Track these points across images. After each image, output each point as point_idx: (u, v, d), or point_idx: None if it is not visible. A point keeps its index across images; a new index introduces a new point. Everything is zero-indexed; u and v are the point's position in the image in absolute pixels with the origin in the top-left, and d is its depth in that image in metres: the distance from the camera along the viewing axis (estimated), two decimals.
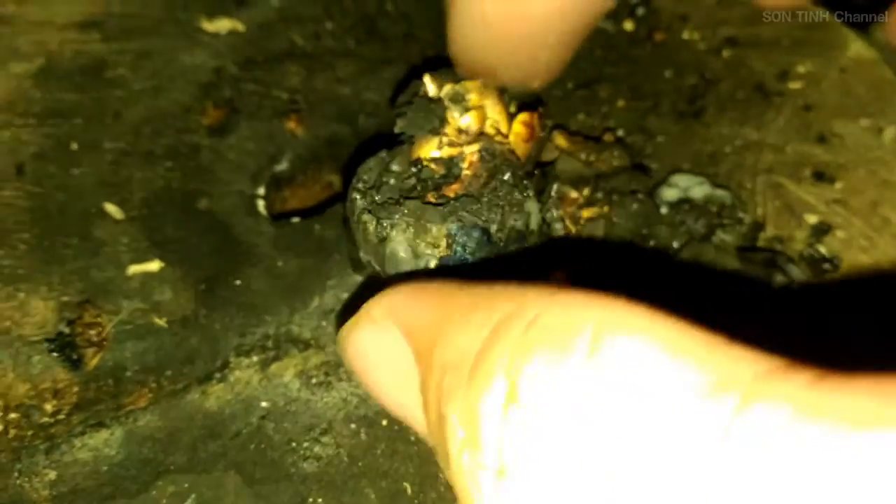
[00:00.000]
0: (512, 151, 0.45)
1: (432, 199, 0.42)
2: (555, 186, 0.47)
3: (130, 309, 0.47)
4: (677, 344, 0.25)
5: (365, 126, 0.55)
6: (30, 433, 0.44)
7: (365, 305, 0.37)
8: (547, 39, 0.48)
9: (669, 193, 0.49)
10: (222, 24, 0.57)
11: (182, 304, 0.48)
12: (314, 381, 0.46)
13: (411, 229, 0.41)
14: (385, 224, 0.42)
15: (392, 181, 0.43)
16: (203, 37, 0.57)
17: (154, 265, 0.48)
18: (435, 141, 0.43)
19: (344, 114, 0.55)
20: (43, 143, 0.53)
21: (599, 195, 0.48)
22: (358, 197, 0.43)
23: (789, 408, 0.22)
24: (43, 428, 0.44)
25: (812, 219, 0.49)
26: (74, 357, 0.46)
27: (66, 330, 0.46)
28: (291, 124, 0.54)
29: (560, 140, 0.50)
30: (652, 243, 0.47)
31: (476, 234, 0.41)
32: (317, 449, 0.44)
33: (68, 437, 0.44)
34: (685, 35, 0.59)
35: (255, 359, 0.46)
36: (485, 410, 0.28)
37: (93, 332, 0.46)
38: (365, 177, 0.44)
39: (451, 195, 0.42)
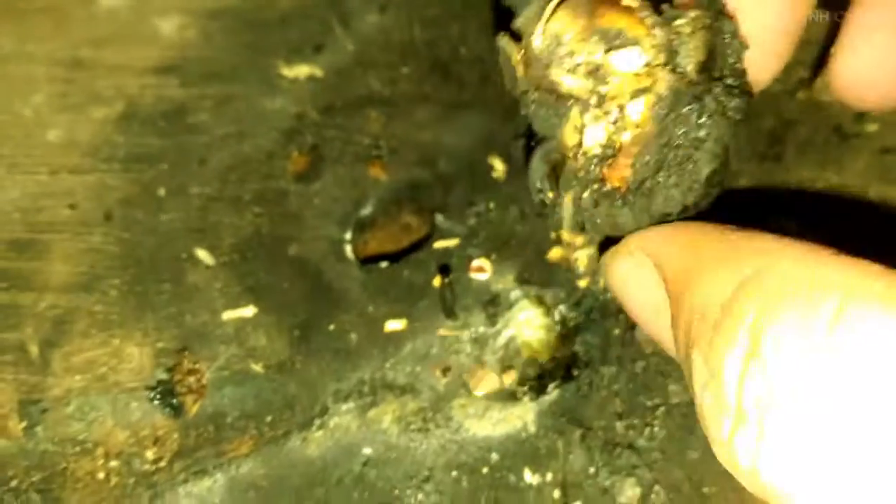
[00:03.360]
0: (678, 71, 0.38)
1: (610, 186, 0.40)
2: None
3: (227, 355, 0.47)
4: None
5: (445, 169, 0.55)
6: (132, 481, 0.44)
7: (626, 238, 0.39)
8: None
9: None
10: (301, 70, 0.58)
11: (277, 349, 0.48)
12: (412, 427, 0.46)
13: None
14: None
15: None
16: (282, 82, 0.57)
17: (248, 311, 0.49)
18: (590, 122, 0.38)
19: (424, 158, 0.55)
20: (129, 189, 0.54)
21: None
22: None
23: None
24: (145, 476, 0.44)
25: None
26: (175, 404, 0.46)
27: (165, 377, 0.46)
28: (374, 170, 0.54)
29: None
30: None
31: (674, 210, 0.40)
32: (420, 496, 0.44)
33: (171, 486, 0.44)
34: None
35: (352, 404, 0.47)
36: (728, 361, 0.29)
37: (192, 378, 0.47)
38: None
39: (622, 181, 0.39)
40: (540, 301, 0.49)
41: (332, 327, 0.49)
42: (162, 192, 0.53)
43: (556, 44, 0.37)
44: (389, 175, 0.54)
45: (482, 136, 0.56)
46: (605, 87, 0.38)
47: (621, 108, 0.38)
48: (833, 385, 0.26)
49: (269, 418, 0.46)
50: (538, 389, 0.46)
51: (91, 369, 0.47)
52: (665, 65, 0.38)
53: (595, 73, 0.38)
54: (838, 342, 0.26)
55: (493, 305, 0.49)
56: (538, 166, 0.41)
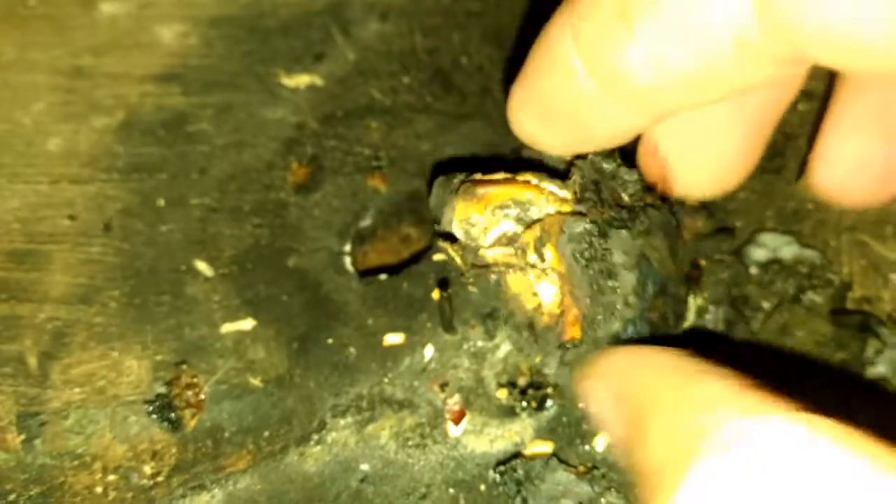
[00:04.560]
0: None
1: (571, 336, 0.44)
2: None
3: (226, 368, 0.47)
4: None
5: None
6: (129, 495, 0.45)
7: (593, 362, 0.38)
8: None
9: (759, 254, 0.49)
10: (301, 79, 0.58)
11: (276, 363, 0.48)
12: (410, 443, 0.46)
13: None
14: None
15: None
16: (283, 91, 0.57)
17: (247, 323, 0.49)
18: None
19: (425, 169, 0.55)
20: (129, 199, 0.54)
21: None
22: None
23: None
24: (143, 490, 0.44)
25: None
26: (173, 418, 0.46)
27: (164, 391, 0.46)
28: (374, 181, 0.54)
29: None
30: (742, 305, 0.48)
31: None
32: None
33: (169, 500, 0.44)
34: None
35: (350, 419, 0.47)
36: None
37: (190, 392, 0.47)
38: None
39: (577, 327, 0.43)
40: None
41: (330, 341, 0.48)
42: (161, 202, 0.53)
43: (470, 230, 0.45)
44: (389, 186, 0.54)
45: (483, 147, 0.56)
46: (520, 249, 0.44)
47: (541, 257, 0.43)
48: None
49: (266, 433, 0.46)
50: (537, 405, 0.46)
51: (90, 382, 0.47)
52: (559, 210, 0.43)
53: (510, 240, 0.44)
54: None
55: (492, 319, 0.48)
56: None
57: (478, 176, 0.46)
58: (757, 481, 0.25)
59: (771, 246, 0.50)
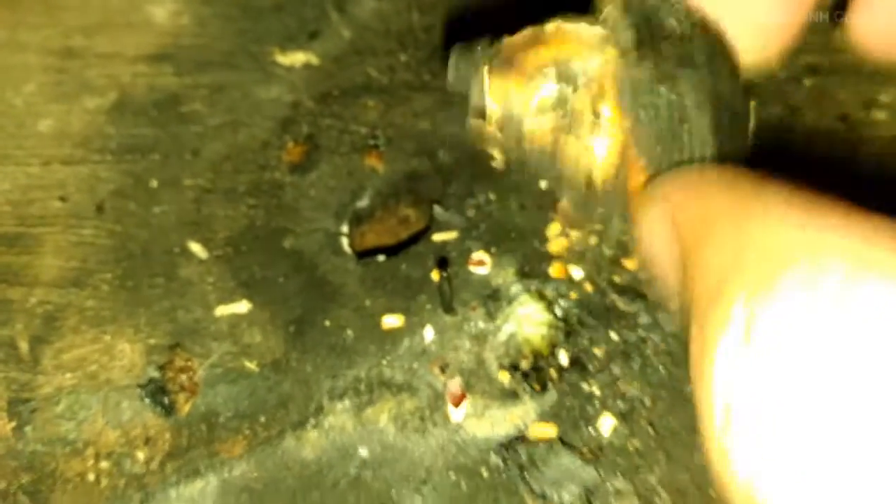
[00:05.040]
0: None
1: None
2: None
3: (221, 352, 0.46)
4: None
5: (444, 160, 0.54)
6: (122, 482, 0.43)
7: (652, 185, 0.36)
8: None
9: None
10: (296, 58, 0.57)
11: (272, 346, 0.47)
12: (409, 426, 0.45)
13: None
14: None
15: None
16: (277, 70, 0.56)
17: (242, 306, 0.48)
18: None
19: (423, 148, 0.54)
20: (121, 181, 0.52)
21: None
22: None
23: None
24: (136, 477, 0.43)
25: None
26: (166, 403, 0.45)
27: (157, 375, 0.45)
28: (372, 160, 0.53)
29: None
30: None
31: None
32: (418, 499, 0.42)
33: (163, 487, 0.43)
34: None
35: (348, 403, 0.45)
36: (719, 348, 0.26)
37: (184, 376, 0.45)
38: None
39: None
40: (541, 296, 0.48)
41: (327, 323, 0.47)
42: (154, 183, 0.52)
43: (509, 104, 0.39)
44: (387, 165, 0.53)
45: None
46: (570, 111, 0.39)
47: (596, 114, 0.38)
48: (835, 384, 0.23)
49: (262, 418, 0.45)
50: (539, 387, 0.45)
51: (82, 367, 0.46)
52: (605, 57, 0.38)
53: (557, 103, 0.39)
54: (844, 318, 0.23)
55: (494, 300, 0.47)
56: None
57: (505, 40, 0.40)
58: (821, 311, 0.24)
59: None
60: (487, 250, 0.49)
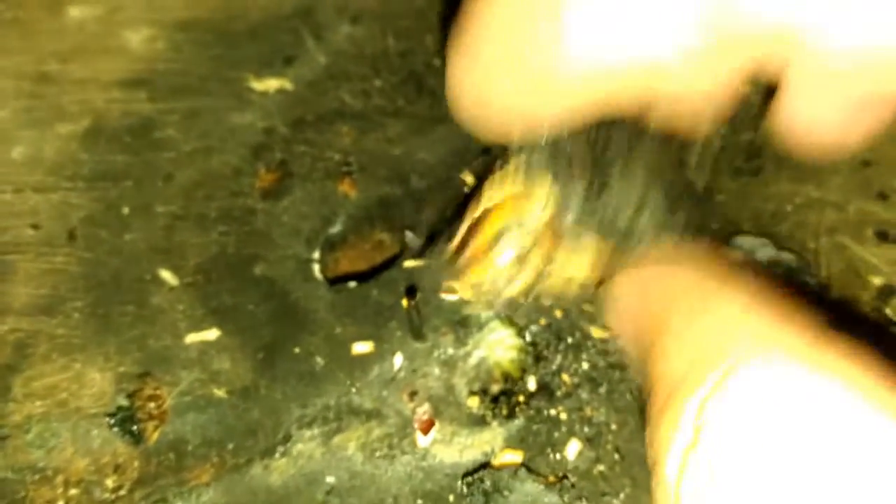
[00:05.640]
0: None
1: None
2: None
3: (190, 379, 0.46)
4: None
5: (417, 186, 0.54)
6: None
7: (617, 279, 0.38)
8: None
9: (735, 256, 0.48)
10: (271, 84, 0.57)
11: (241, 373, 0.47)
12: (377, 454, 0.45)
13: None
14: None
15: None
16: (251, 96, 0.56)
17: (212, 333, 0.48)
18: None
19: (396, 174, 0.54)
20: (93, 207, 0.53)
21: None
22: None
23: None
24: None
25: (877, 280, 0.48)
26: (135, 431, 0.45)
27: (126, 403, 0.45)
28: (344, 186, 0.53)
29: None
30: None
31: None
32: None
33: None
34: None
35: (316, 431, 0.45)
36: (671, 449, 0.27)
37: (153, 404, 0.46)
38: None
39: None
40: (511, 322, 0.48)
41: (297, 350, 0.47)
42: (126, 210, 0.52)
43: (481, 292, 0.45)
44: (360, 191, 0.53)
45: (455, 151, 0.55)
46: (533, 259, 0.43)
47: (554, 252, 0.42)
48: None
49: (231, 445, 0.45)
50: (507, 413, 0.45)
51: (52, 395, 0.46)
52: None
53: (519, 262, 0.43)
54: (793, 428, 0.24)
55: (464, 326, 0.48)
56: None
57: (449, 248, 0.45)
58: (766, 413, 0.25)
59: (747, 248, 0.49)
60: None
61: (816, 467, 0.23)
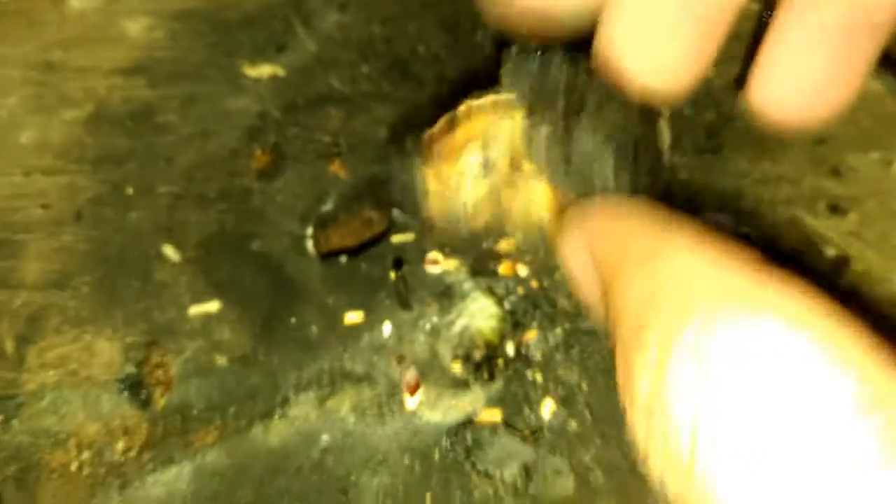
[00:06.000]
0: None
1: None
2: None
3: (193, 348, 0.50)
4: (839, 350, 0.24)
5: None
6: (102, 471, 0.47)
7: (567, 216, 0.38)
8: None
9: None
10: (264, 70, 0.60)
11: (241, 342, 0.51)
12: (368, 414, 0.49)
13: None
14: None
15: None
16: (246, 82, 0.60)
17: (213, 305, 0.51)
18: None
19: (383, 155, 0.58)
20: (99, 189, 0.56)
21: None
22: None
23: None
24: (115, 466, 0.47)
25: (831, 251, 0.52)
26: (143, 396, 0.48)
27: (134, 370, 0.49)
28: (335, 167, 0.57)
29: None
30: None
31: None
32: (375, 480, 0.47)
33: (141, 475, 0.47)
34: None
35: (312, 394, 0.49)
36: (636, 386, 0.27)
37: (160, 371, 0.49)
38: None
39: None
40: (491, 292, 0.52)
41: (293, 320, 0.51)
42: (130, 191, 0.55)
43: (444, 188, 0.47)
44: (349, 171, 0.57)
45: None
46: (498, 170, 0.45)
47: (521, 170, 0.45)
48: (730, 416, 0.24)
49: (232, 409, 0.49)
50: (488, 376, 0.49)
51: (64, 364, 0.50)
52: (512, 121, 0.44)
53: (484, 171, 0.46)
54: (752, 362, 0.24)
55: (447, 297, 0.51)
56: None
57: (426, 134, 0.47)
58: (731, 370, 0.25)
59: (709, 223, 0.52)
60: (441, 250, 0.53)
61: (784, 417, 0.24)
